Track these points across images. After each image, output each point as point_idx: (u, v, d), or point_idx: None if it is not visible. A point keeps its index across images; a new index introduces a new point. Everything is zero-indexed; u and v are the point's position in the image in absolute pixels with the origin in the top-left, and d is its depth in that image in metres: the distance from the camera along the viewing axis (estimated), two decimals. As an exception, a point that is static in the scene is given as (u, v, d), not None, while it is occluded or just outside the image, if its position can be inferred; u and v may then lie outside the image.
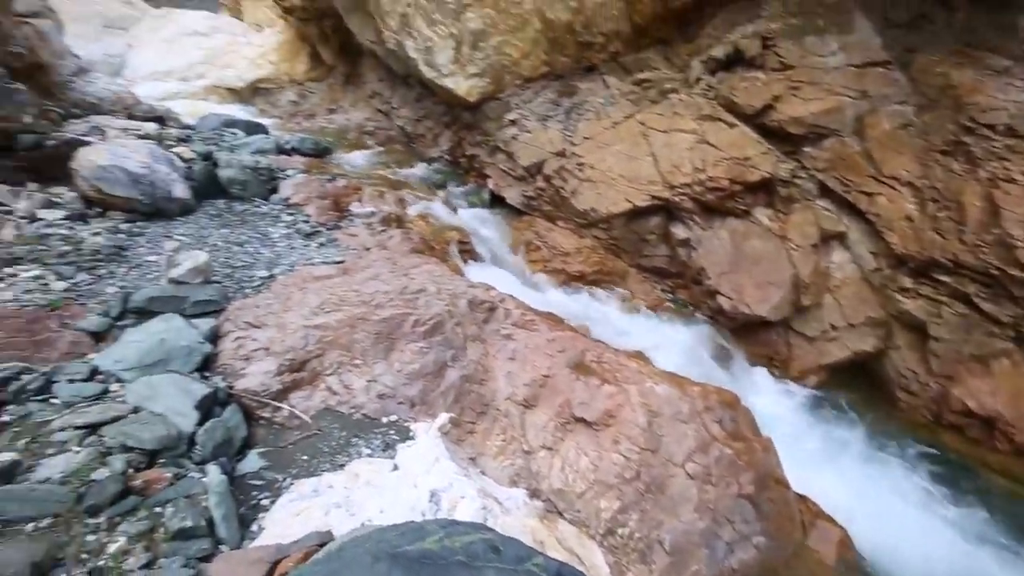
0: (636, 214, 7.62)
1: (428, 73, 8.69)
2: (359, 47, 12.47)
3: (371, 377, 4.12)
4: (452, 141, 9.99)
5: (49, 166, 6.31)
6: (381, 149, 11.01)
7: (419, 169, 9.73)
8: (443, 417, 3.93)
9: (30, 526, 2.68)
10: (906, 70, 6.99)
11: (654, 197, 7.46)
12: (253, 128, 10.89)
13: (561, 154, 7.96)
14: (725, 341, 7.31)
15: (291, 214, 6.55)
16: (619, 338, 6.42)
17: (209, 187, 6.80)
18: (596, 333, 5.98)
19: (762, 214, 7.29)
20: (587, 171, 7.80)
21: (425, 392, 4.15)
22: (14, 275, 4.58)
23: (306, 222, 6.36)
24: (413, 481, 3.26)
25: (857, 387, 7.04)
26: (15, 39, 7.82)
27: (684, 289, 7.77)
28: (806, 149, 7.11)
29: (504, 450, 4.07)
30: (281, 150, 9.42)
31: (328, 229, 6.38)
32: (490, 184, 8.84)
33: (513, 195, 8.66)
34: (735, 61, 7.62)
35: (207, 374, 4.02)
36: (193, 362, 4.01)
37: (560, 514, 3.74)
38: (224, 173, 6.87)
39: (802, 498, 4.57)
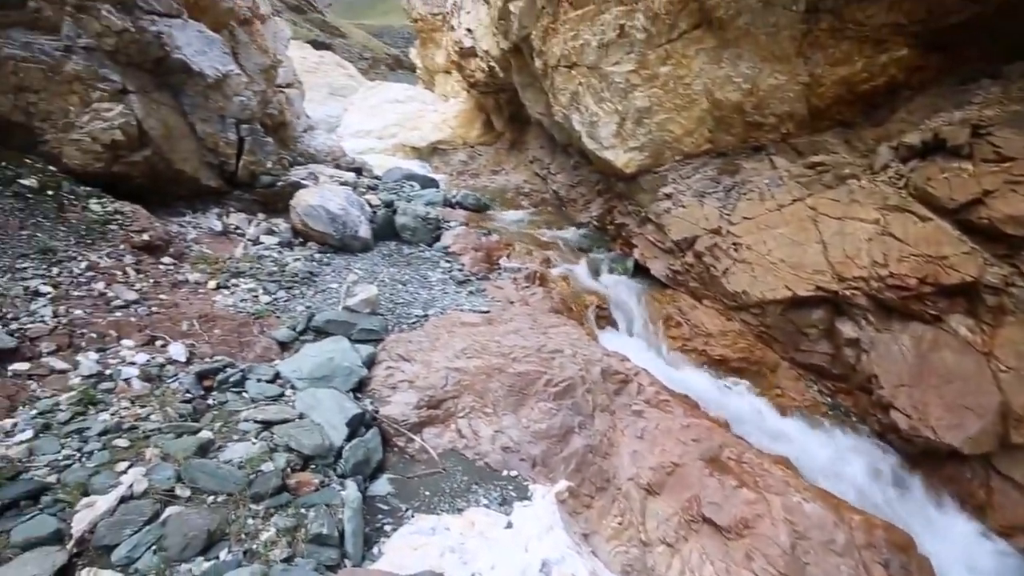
0: (796, 303, 6.96)
1: (590, 144, 9.14)
2: (527, 117, 13.64)
3: (499, 428, 4.23)
4: (603, 208, 10.24)
5: (275, 201, 7.84)
6: (535, 210, 11.68)
7: (568, 232, 10.10)
8: (562, 484, 3.85)
9: (211, 498, 3.17)
10: None
11: (820, 288, 6.76)
12: (428, 182, 12.37)
13: (716, 232, 7.68)
14: (897, 465, 6.15)
15: (449, 261, 7.21)
16: (762, 438, 5.77)
17: (386, 230, 7.83)
18: (735, 427, 5.46)
19: (960, 323, 6.16)
20: (743, 252, 7.39)
21: (548, 454, 4.13)
22: (236, 285, 5.67)
23: (460, 270, 6.94)
24: (525, 544, 3.22)
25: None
26: (271, 103, 10.00)
27: (847, 395, 6.78)
28: (1027, 254, 5.95)
29: (619, 534, 3.83)
30: (448, 203, 10.53)
31: (478, 279, 6.88)
32: (636, 254, 8.81)
33: (658, 267, 8.51)
34: (934, 149, 6.78)
35: (359, 396, 4.49)
36: (351, 382, 4.51)
37: (674, 624, 3.37)
38: (400, 220, 7.87)
39: None
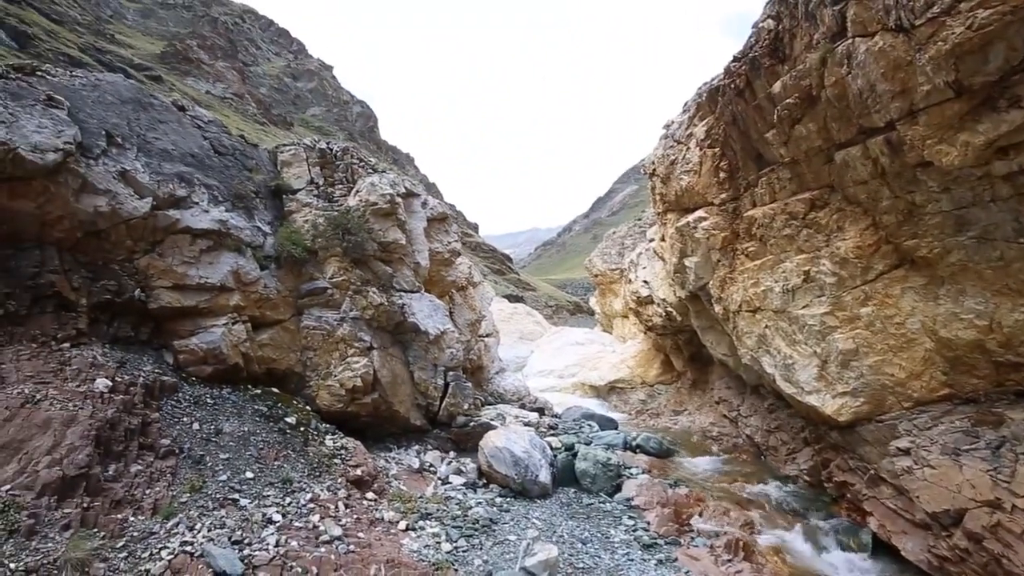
0: None
1: (787, 388, 8.36)
2: (708, 357, 13.34)
3: None
4: (814, 460, 8.70)
5: (466, 440, 8.42)
6: (727, 457, 10.44)
7: (771, 487, 8.61)
8: None
9: None
10: None
11: None
12: (606, 423, 12.23)
13: (994, 506, 5.78)
14: None
15: (632, 518, 6.52)
16: None
17: (566, 475, 7.63)
18: None
19: None
20: (1050, 538, 5.30)
21: None
22: (423, 528, 5.82)
23: (646, 530, 6.18)
24: None
25: None
26: (473, 351, 11.61)
27: None
28: None
29: None
30: (628, 446, 10.07)
31: (667, 543, 5.98)
32: (872, 524, 6.94)
33: (912, 547, 6.48)
34: None
35: None
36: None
37: None
38: (580, 465, 7.67)
39: None
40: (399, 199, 9.34)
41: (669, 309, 14.47)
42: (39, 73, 6.65)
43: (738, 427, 11.49)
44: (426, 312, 9.09)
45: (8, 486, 4.38)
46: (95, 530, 4.55)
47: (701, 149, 10.32)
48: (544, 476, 7.18)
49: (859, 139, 6.66)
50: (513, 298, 34.97)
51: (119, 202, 6.46)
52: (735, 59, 8.61)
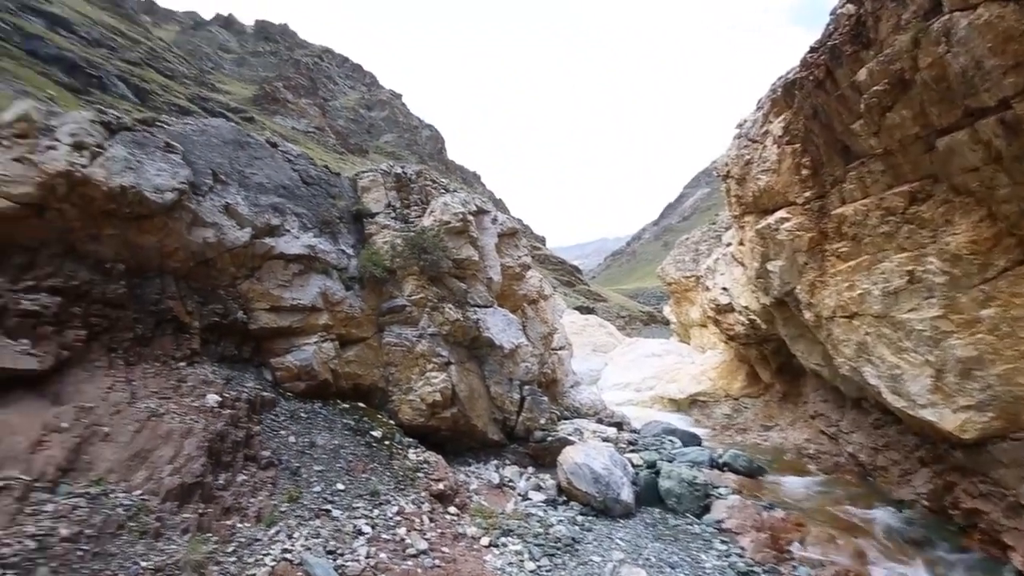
0: None
1: (895, 402, 7.57)
2: (800, 368, 12.40)
3: None
4: (934, 484, 7.77)
5: (544, 456, 8.35)
6: (827, 478, 9.60)
7: (883, 513, 7.78)
8: None
9: None
10: None
11: None
12: (689, 438, 11.67)
13: None
14: None
15: (724, 541, 6.14)
16: None
17: (649, 494, 7.34)
18: None
19: None
20: None
21: None
22: (505, 545, 5.81)
23: (740, 556, 5.78)
24: None
25: None
26: (547, 364, 11.56)
27: None
28: None
29: None
30: (714, 464, 9.53)
31: (765, 571, 5.56)
32: (1016, 561, 6.07)
33: (1067, 588, 5.59)
34: None
35: None
36: None
37: None
38: (664, 484, 7.35)
39: None
40: (471, 217, 9.57)
41: (752, 317, 13.67)
42: (158, 123, 7.52)
43: (839, 444, 10.54)
44: (500, 326, 9.19)
45: (140, 491, 4.88)
46: (208, 535, 4.96)
47: (779, 146, 9.77)
48: (626, 494, 6.96)
49: (965, 122, 6.00)
50: (584, 310, 34.58)
51: (223, 233, 7.12)
52: (812, 50, 8.14)
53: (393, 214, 9.40)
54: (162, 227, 6.56)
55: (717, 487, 7.87)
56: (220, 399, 6.19)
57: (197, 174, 7.16)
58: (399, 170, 9.97)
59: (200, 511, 5.12)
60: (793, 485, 9.06)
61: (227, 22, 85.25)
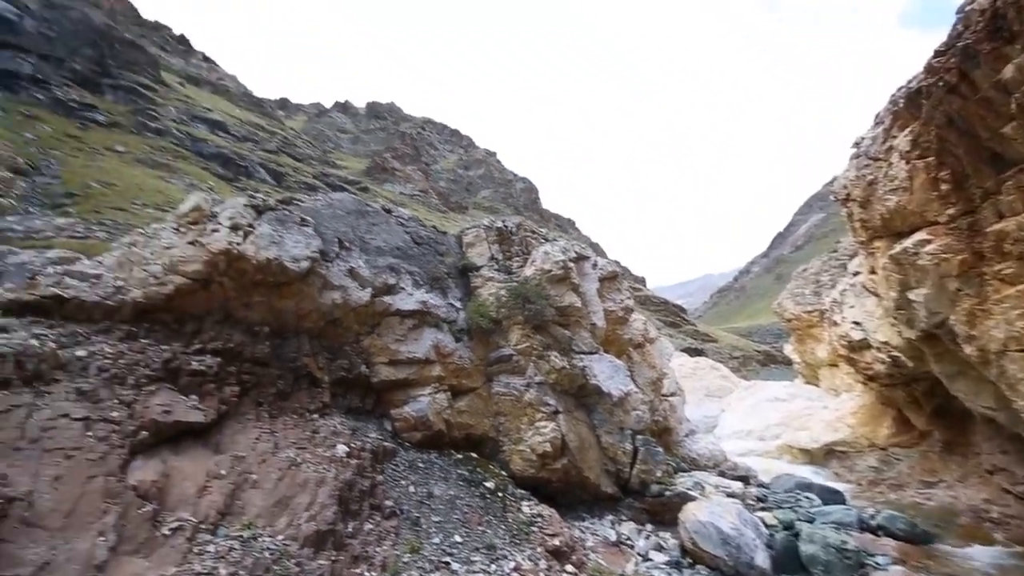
0: None
1: (1108, 455, 6.15)
2: (964, 411, 10.56)
3: None
4: None
5: (662, 512, 7.82)
6: (1019, 549, 7.90)
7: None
8: None
9: None
10: None
11: None
12: (828, 495, 10.30)
13: None
14: None
15: (891, 622, 5.23)
16: None
17: (787, 560, 6.52)
18: None
19: None
20: None
21: None
22: (629, 610, 5.45)
23: (915, 641, 4.87)
24: None
25: None
26: (657, 411, 11.00)
27: None
28: None
29: None
30: (865, 527, 8.27)
31: (952, 663, 4.61)
32: None
33: None
34: None
35: None
36: None
37: None
38: (806, 548, 6.50)
39: None
40: (571, 264, 9.66)
41: (894, 354, 12.04)
42: (294, 201, 8.65)
43: (1031, 507, 8.69)
44: (607, 373, 8.98)
45: (282, 536, 5.32)
46: (341, 582, 5.22)
47: (908, 162, 8.83)
48: (761, 559, 6.25)
49: None
50: (693, 351, 32.66)
51: (348, 294, 7.85)
52: (938, 53, 7.42)
53: (496, 266, 9.78)
54: (298, 292, 7.40)
55: (873, 555, 6.81)
56: (348, 449, 6.65)
57: (326, 243, 8.05)
58: (500, 224, 10.42)
59: (332, 558, 5.43)
60: (973, 556, 7.55)
61: (344, 107, 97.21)
